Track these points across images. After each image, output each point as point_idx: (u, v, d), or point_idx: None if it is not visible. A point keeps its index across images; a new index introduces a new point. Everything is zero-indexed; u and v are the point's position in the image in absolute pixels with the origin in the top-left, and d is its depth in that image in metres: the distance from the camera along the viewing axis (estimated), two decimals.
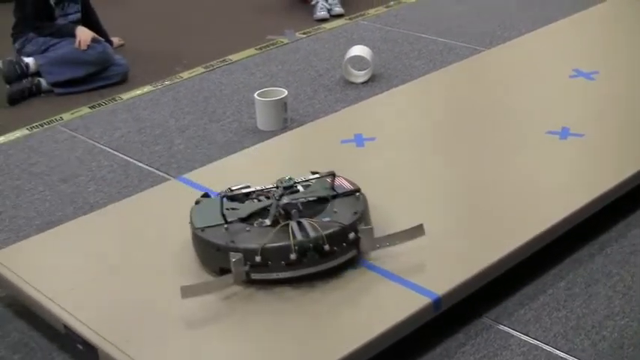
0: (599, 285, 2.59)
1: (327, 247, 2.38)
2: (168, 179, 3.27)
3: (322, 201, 2.59)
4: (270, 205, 2.52)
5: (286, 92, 3.73)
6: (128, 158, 3.55)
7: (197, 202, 2.66)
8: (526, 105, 3.47)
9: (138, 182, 3.34)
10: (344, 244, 2.43)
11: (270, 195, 2.58)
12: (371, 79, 4.15)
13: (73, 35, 4.45)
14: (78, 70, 4.42)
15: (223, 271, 2.40)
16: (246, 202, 2.60)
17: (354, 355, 2.18)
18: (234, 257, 2.35)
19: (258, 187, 2.61)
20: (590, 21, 4.44)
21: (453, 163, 3.08)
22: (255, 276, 2.38)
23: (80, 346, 2.32)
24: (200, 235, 2.48)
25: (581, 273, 2.65)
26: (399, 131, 3.34)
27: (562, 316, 2.47)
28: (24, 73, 4.40)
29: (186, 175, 3.11)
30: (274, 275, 2.38)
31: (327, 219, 2.47)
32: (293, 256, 2.35)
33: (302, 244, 2.36)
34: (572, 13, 4.58)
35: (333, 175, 2.64)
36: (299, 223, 2.42)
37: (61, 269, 2.58)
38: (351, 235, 2.44)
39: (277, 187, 2.58)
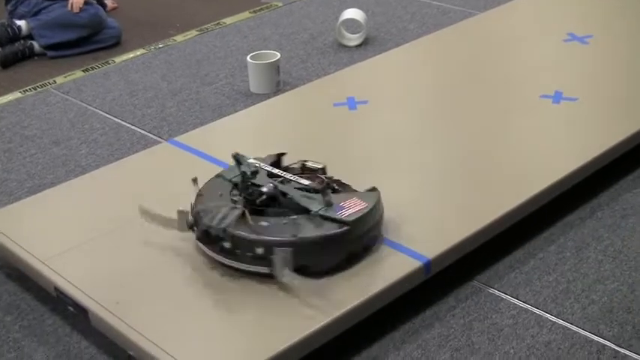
0: (589, 249, 2.60)
1: None
2: (160, 142, 3.26)
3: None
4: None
5: (279, 55, 3.72)
6: (120, 121, 3.54)
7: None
8: (520, 69, 3.46)
9: (130, 145, 3.33)
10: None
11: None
12: (364, 42, 4.13)
13: None
14: (70, 33, 4.39)
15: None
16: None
17: (345, 317, 2.19)
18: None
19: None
20: None
21: (444, 126, 3.07)
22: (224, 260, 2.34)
23: (71, 308, 2.32)
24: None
25: (571, 237, 2.66)
26: (391, 94, 3.33)
27: (552, 279, 2.48)
28: (16, 35, 4.37)
29: (178, 138, 3.10)
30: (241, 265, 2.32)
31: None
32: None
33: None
34: None
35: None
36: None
37: (52, 232, 2.58)
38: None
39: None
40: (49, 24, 4.38)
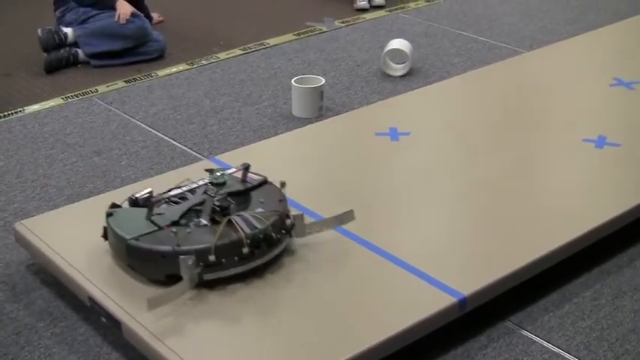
0: (625, 298, 2.57)
1: (274, 235, 2.39)
2: (200, 159, 3.27)
3: (242, 194, 2.55)
4: (199, 204, 2.47)
5: (324, 80, 3.73)
6: (162, 135, 3.55)
7: (109, 215, 2.48)
8: (563, 110, 3.45)
9: (170, 160, 3.34)
10: (282, 231, 2.45)
11: (185, 196, 2.53)
12: (409, 73, 4.13)
13: (113, 8, 4.46)
14: (115, 43, 4.43)
15: (170, 277, 2.32)
16: (164, 205, 2.51)
17: (374, 351, 2.18)
18: (186, 261, 2.28)
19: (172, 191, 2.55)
20: (634, 29, 4.40)
21: (485, 163, 3.06)
22: (208, 276, 2.33)
23: (104, 319, 2.33)
24: (137, 244, 2.35)
25: (608, 284, 2.63)
26: (433, 127, 3.32)
27: (586, 326, 2.46)
28: (62, 42, 4.41)
29: (219, 157, 3.11)
30: (227, 272, 2.35)
31: (259, 210, 2.45)
32: (246, 250, 2.32)
33: (254, 237, 2.34)
34: (616, 20, 4.56)
35: (247, 168, 2.64)
36: (239, 217, 2.39)
37: (89, 241, 2.57)
38: (288, 222, 2.47)
39: (208, 184, 2.54)
40: (95, 33, 4.42)
